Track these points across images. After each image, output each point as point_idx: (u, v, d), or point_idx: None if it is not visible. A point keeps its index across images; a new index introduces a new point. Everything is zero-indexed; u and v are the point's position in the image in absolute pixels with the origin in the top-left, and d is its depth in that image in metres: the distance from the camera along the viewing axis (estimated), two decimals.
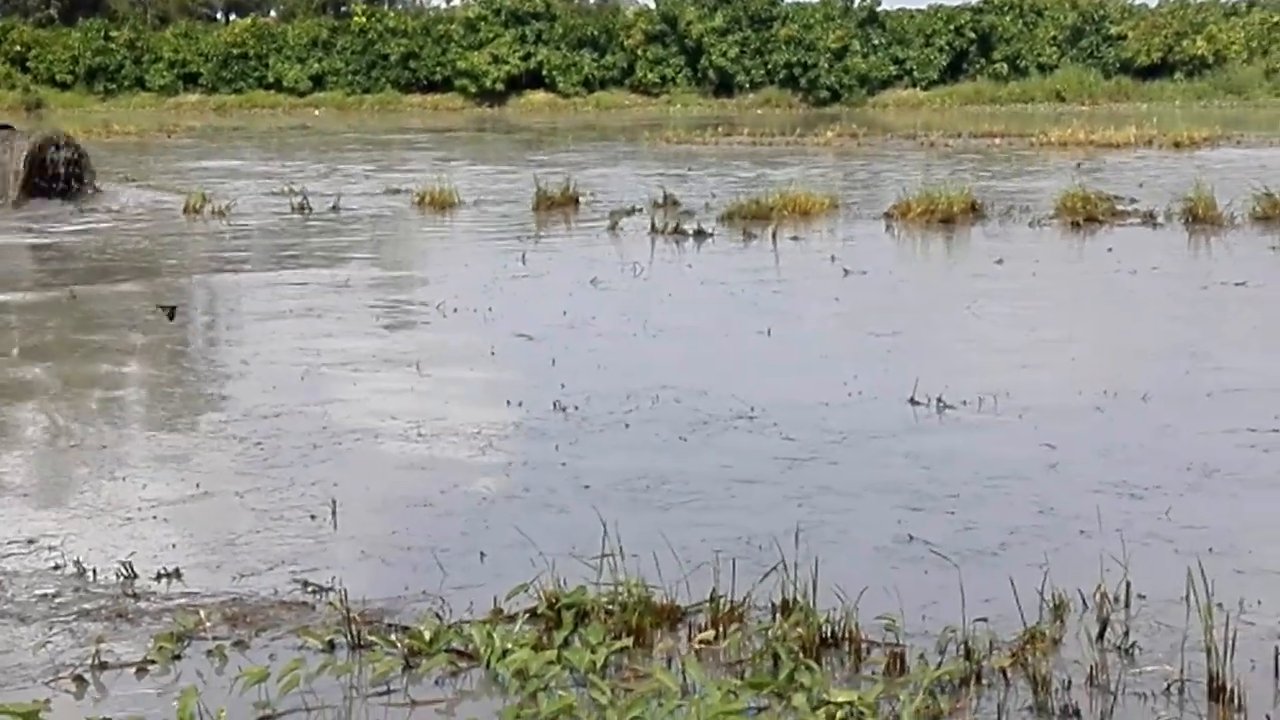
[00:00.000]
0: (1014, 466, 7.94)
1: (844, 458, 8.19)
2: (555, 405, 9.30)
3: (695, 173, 28.89)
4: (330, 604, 5.90)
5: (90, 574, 6.41)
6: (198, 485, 7.74)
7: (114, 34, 70.88)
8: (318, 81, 70.62)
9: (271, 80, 70.73)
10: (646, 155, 34.69)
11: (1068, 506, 7.19)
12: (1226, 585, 5.76)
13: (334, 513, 7.22)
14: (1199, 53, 68.33)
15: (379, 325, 12.81)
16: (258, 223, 21.48)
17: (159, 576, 6.37)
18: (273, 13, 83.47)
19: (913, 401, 9.30)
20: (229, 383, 10.55)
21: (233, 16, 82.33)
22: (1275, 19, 70.29)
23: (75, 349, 11.74)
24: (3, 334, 12.98)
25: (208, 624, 5.80)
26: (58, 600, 6.14)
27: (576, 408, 9.25)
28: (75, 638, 5.74)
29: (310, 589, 6.21)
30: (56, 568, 6.50)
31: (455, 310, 13.08)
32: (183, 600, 6.10)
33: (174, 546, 6.79)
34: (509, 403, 9.46)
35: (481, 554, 6.66)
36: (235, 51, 70.89)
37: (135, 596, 6.17)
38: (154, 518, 7.23)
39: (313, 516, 7.19)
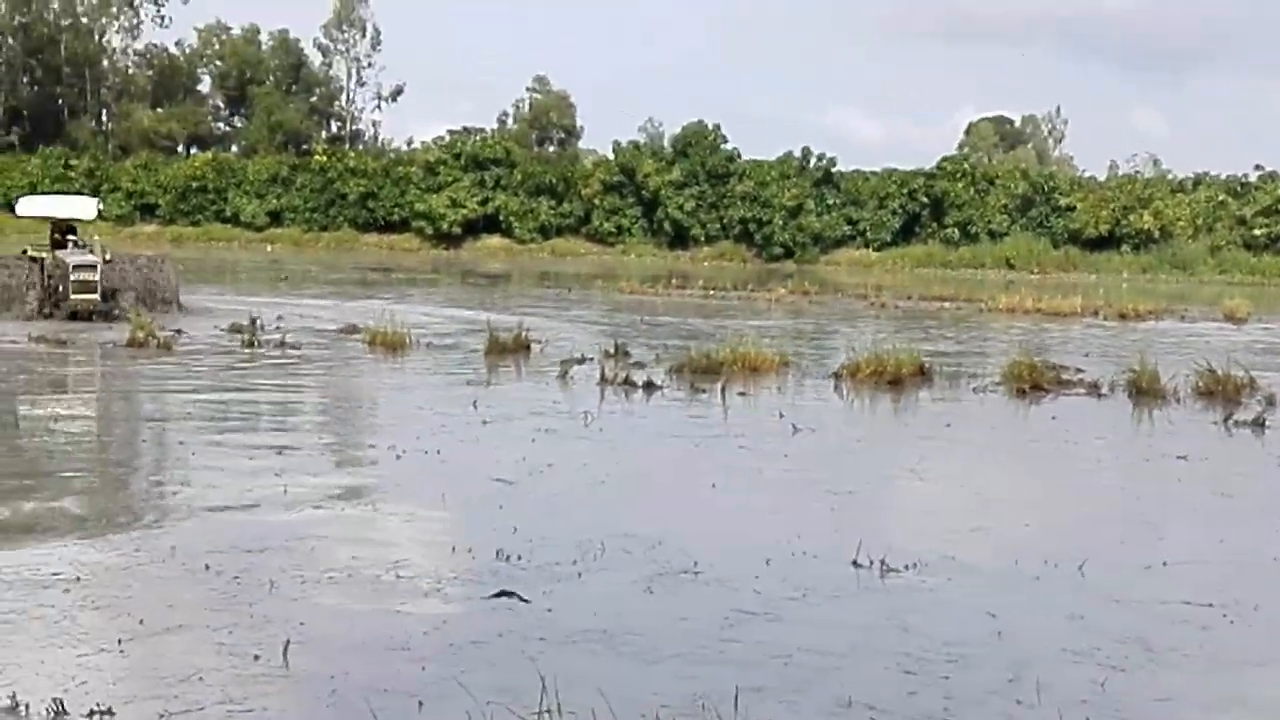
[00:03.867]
0: (954, 634, 7.97)
1: (787, 616, 8.21)
2: (499, 554, 9.30)
3: (647, 324, 29.11)
4: None
5: (23, 708, 6.35)
6: (141, 621, 7.69)
7: (74, 162, 71.27)
8: (275, 217, 70.98)
9: (229, 214, 71.02)
10: (600, 304, 34.95)
11: (1006, 676, 7.22)
12: None
13: (285, 653, 7.18)
14: (1145, 227, 69.71)
15: (330, 466, 12.78)
16: (205, 356, 21.50)
17: (91, 714, 6.30)
18: (234, 148, 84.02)
19: (855, 564, 9.34)
20: (176, 518, 10.48)
21: (194, 150, 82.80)
22: (1220, 197, 71.87)
23: None
24: None
25: None
26: None
27: (520, 556, 9.25)
28: None
29: None
30: None
31: (405, 453, 13.09)
32: None
33: (114, 682, 6.73)
34: (455, 549, 9.45)
35: (420, 702, 6.63)
36: (194, 184, 71.26)
37: None
38: (99, 651, 7.17)
39: (257, 656, 7.15)
